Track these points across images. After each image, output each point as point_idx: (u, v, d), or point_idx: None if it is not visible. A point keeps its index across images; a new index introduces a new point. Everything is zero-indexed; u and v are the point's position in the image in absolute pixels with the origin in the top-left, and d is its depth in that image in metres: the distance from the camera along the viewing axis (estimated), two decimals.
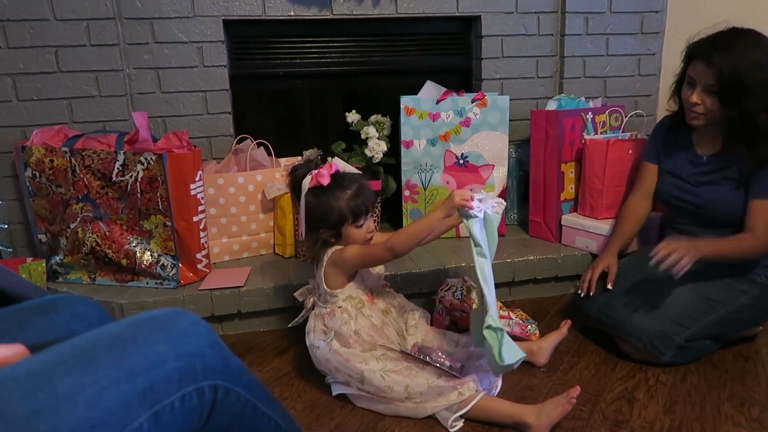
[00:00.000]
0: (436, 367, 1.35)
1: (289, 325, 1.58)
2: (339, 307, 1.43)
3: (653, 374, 1.49)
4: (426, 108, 2.02)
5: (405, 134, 2.03)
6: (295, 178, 1.45)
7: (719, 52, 1.42)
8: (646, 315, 1.50)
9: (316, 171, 1.40)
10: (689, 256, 1.37)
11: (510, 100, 2.03)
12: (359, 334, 1.40)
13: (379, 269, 1.53)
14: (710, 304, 1.50)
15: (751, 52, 1.41)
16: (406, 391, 1.32)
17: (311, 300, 1.51)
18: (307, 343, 1.47)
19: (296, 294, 1.57)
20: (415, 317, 1.56)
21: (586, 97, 2.18)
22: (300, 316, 1.54)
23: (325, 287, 1.45)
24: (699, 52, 1.47)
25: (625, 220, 1.78)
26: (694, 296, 1.51)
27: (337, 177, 1.42)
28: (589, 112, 2.06)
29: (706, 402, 1.37)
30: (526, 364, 1.54)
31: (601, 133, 2.08)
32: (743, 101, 1.42)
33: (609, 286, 1.60)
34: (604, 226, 1.91)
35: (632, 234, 1.78)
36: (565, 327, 1.60)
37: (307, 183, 1.40)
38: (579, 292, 1.66)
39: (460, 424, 1.31)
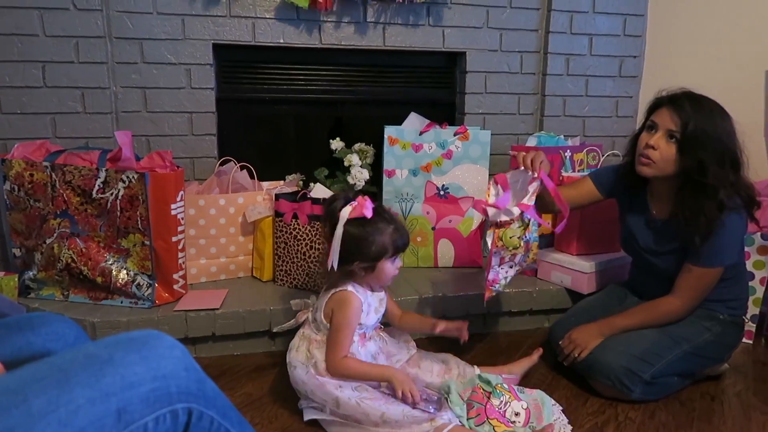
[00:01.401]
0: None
1: (275, 330, 1.59)
2: None
3: (623, 410, 1.51)
4: (409, 139, 2.05)
5: (387, 163, 2.06)
6: (332, 208, 1.42)
7: (690, 103, 1.46)
8: (612, 353, 1.53)
9: (356, 202, 1.40)
10: (582, 349, 1.56)
11: (491, 134, 2.07)
12: None
13: (378, 314, 1.52)
14: (674, 340, 1.53)
15: (714, 113, 1.46)
16: (381, 418, 1.32)
17: (305, 316, 1.51)
18: (287, 359, 1.46)
19: (293, 303, 1.58)
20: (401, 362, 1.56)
21: (565, 135, 2.24)
22: (288, 324, 1.54)
23: (323, 318, 1.44)
24: (670, 100, 1.49)
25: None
26: (658, 333, 1.54)
27: (380, 210, 1.44)
28: (568, 150, 2.11)
29: None
30: None
31: (578, 171, 2.14)
32: (700, 152, 1.43)
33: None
34: (580, 262, 1.95)
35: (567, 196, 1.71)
36: (536, 354, 1.64)
37: (346, 213, 1.39)
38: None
39: None
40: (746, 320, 1.75)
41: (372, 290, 1.49)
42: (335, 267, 1.40)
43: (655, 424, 1.45)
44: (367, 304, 1.45)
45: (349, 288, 1.43)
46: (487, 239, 1.56)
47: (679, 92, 1.50)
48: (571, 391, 1.60)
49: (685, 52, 2.36)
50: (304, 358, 1.44)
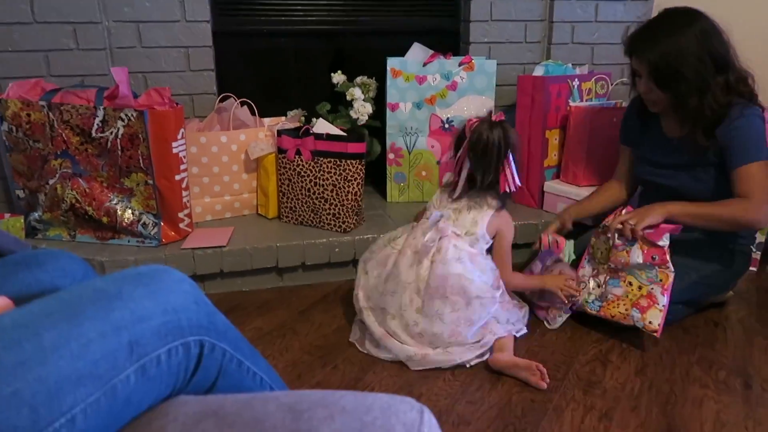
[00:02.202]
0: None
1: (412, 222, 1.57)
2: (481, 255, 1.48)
3: (627, 338, 1.53)
4: (413, 70, 2.00)
5: (391, 96, 2.02)
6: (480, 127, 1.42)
7: (645, 45, 1.48)
8: None
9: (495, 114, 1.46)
10: (637, 221, 1.43)
11: (497, 64, 2.01)
12: None
13: None
14: (682, 269, 1.53)
15: (677, 39, 1.44)
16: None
17: (448, 228, 1.45)
18: (444, 270, 1.39)
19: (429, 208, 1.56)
20: None
21: (573, 64, 2.18)
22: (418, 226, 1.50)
23: (486, 234, 1.48)
24: (629, 48, 1.53)
25: (597, 193, 1.79)
26: None
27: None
28: (576, 79, 2.05)
29: (676, 365, 1.42)
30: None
31: (586, 101, 2.09)
32: (675, 85, 1.46)
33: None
34: (586, 193, 1.93)
35: (596, 208, 1.75)
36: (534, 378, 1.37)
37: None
38: (535, 248, 1.70)
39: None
40: (753, 249, 1.75)
41: None
42: (518, 186, 1.48)
43: (659, 351, 1.48)
44: None
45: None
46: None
47: (638, 30, 1.53)
48: (576, 319, 1.62)
49: None
50: (481, 272, 1.44)
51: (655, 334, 1.44)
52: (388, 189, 2.14)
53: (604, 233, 1.55)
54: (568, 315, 1.60)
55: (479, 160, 1.43)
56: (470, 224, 1.48)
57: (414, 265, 1.43)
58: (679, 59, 1.44)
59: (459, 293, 1.39)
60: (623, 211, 1.52)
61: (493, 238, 1.51)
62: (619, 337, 1.54)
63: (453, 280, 1.39)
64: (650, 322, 1.44)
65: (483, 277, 1.43)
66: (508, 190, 1.46)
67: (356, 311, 1.54)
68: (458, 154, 1.47)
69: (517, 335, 1.50)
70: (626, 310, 1.48)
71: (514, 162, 1.45)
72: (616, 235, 1.49)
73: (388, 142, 2.07)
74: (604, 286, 1.54)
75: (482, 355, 1.43)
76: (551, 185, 2.04)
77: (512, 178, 1.45)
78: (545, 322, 1.62)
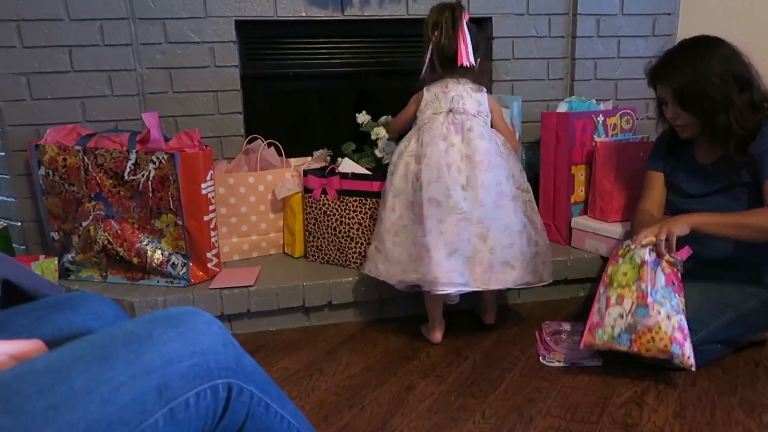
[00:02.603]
0: None
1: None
2: None
3: (663, 378, 1.48)
4: None
5: None
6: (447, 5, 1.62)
7: (668, 72, 1.53)
8: None
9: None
10: (668, 233, 1.42)
11: (521, 101, 2.02)
12: None
13: None
14: (720, 308, 1.49)
15: (699, 63, 1.48)
16: None
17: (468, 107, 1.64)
18: (490, 147, 1.61)
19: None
20: None
21: (597, 100, 2.18)
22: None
23: (489, 110, 1.67)
24: (652, 77, 1.58)
25: (641, 225, 1.63)
26: (703, 300, 1.50)
27: None
28: (600, 115, 2.05)
29: (716, 407, 1.37)
30: (535, 377, 1.54)
31: (611, 136, 2.08)
32: (701, 106, 1.50)
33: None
34: (614, 229, 1.90)
35: None
36: None
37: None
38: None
39: None
40: None
41: None
42: (474, 64, 1.63)
43: (697, 392, 1.43)
44: None
45: None
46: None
47: (657, 62, 1.58)
48: (608, 358, 1.58)
49: (723, 8, 2.25)
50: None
51: (692, 368, 1.39)
52: None
53: (624, 255, 1.48)
54: (563, 365, 1.56)
55: (439, 33, 1.60)
56: (477, 104, 1.65)
57: (449, 148, 1.59)
58: (703, 80, 1.47)
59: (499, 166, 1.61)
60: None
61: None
62: (654, 378, 1.49)
63: (492, 154, 1.61)
64: (688, 357, 1.39)
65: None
66: (465, 63, 1.59)
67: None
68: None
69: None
70: (665, 346, 1.38)
71: (471, 35, 1.60)
72: (647, 251, 1.43)
73: None
74: (630, 315, 1.41)
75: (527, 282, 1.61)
76: (578, 221, 2.02)
77: (466, 50, 1.59)
78: (540, 357, 1.60)
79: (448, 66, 1.63)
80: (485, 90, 1.69)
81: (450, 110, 1.62)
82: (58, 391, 0.54)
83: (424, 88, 1.68)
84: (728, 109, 1.46)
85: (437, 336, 1.69)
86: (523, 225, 1.63)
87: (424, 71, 1.65)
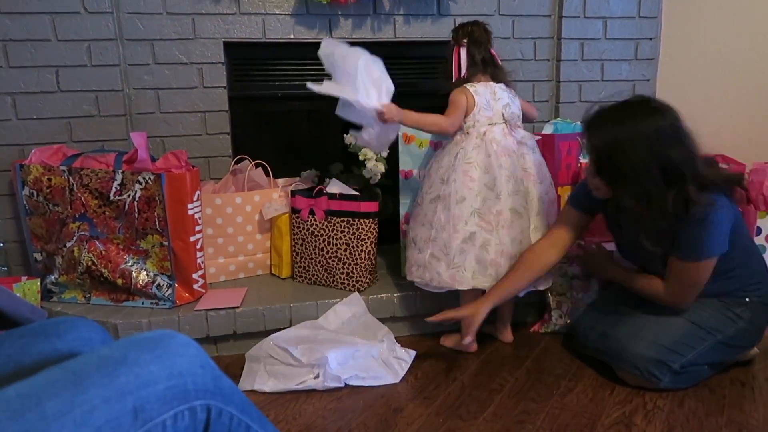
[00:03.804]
0: None
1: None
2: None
3: (651, 399, 1.48)
4: (426, 135, 1.91)
5: (404, 163, 1.92)
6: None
7: (594, 126, 1.39)
8: (642, 344, 1.49)
9: None
10: (594, 271, 1.72)
11: None
12: None
13: None
14: (706, 331, 1.50)
15: (626, 131, 1.32)
16: None
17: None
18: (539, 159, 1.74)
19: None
20: None
21: (581, 122, 2.20)
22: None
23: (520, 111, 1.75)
24: (582, 125, 1.44)
25: (518, 269, 1.58)
26: (688, 324, 1.51)
27: None
28: None
29: (704, 428, 1.36)
30: (524, 398, 1.53)
31: None
32: (612, 180, 1.38)
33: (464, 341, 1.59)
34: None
35: (519, 287, 1.61)
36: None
37: None
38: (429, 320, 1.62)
39: None
40: None
41: None
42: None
43: (685, 413, 1.42)
44: None
45: None
46: None
47: (592, 110, 1.42)
48: (596, 380, 1.58)
49: (703, 33, 2.30)
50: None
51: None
52: (403, 263, 1.93)
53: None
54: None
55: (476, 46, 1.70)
56: (519, 110, 1.74)
57: (515, 160, 1.67)
58: (620, 155, 1.31)
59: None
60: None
61: None
62: (642, 398, 1.48)
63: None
64: None
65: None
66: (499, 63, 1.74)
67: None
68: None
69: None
70: None
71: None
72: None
73: (402, 212, 1.97)
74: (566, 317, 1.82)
75: None
76: None
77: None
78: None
79: (487, 64, 1.70)
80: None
81: (505, 121, 1.69)
82: (30, 416, 0.53)
83: (470, 89, 1.68)
84: (640, 200, 1.33)
85: (474, 344, 1.71)
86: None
87: (462, 72, 1.70)
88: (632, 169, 1.32)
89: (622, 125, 1.33)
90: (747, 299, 1.54)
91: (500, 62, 1.75)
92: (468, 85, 1.68)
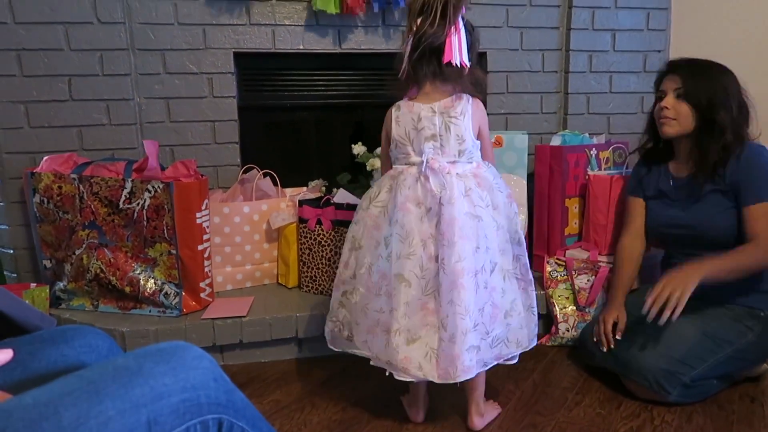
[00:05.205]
0: None
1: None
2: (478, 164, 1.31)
3: (659, 414, 1.47)
4: None
5: None
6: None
7: (686, 64, 1.61)
8: (652, 354, 1.49)
9: None
10: (682, 292, 1.38)
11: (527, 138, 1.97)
12: None
13: None
14: (717, 343, 1.49)
15: (711, 67, 1.57)
16: None
17: (436, 161, 1.28)
18: (464, 211, 1.25)
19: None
20: None
21: (590, 134, 2.20)
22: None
23: (474, 136, 1.30)
24: (668, 68, 1.63)
25: (622, 265, 1.75)
26: (699, 335, 1.50)
27: None
28: (593, 148, 2.07)
29: None
30: (530, 411, 1.52)
31: (604, 169, 2.10)
32: (703, 100, 1.54)
33: (617, 337, 1.57)
34: (607, 260, 1.91)
35: (632, 278, 1.76)
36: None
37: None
38: (596, 343, 1.62)
39: None
40: None
41: None
42: (467, 64, 1.25)
43: (693, 428, 1.41)
44: None
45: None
46: None
47: (675, 59, 1.66)
48: (604, 394, 1.57)
49: (711, 45, 2.30)
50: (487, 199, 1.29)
51: None
52: None
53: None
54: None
55: (423, 19, 1.23)
56: (458, 140, 1.28)
57: (423, 216, 1.28)
58: (714, 81, 1.54)
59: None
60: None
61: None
62: (650, 413, 1.47)
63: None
64: None
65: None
66: (454, 62, 1.23)
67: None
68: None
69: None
70: None
71: (466, 32, 1.27)
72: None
73: None
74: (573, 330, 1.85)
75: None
76: (573, 253, 2.02)
77: (459, 46, 1.21)
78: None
79: (427, 65, 1.27)
80: (470, 99, 1.31)
81: (424, 161, 1.27)
82: (46, 426, 0.53)
83: (393, 112, 1.35)
84: (724, 115, 1.51)
85: (419, 415, 1.44)
86: (490, 299, 1.32)
87: (402, 70, 1.31)
88: (722, 94, 1.53)
89: (712, 68, 1.58)
90: (762, 313, 1.53)
91: (462, 55, 1.27)
92: (394, 115, 1.37)
